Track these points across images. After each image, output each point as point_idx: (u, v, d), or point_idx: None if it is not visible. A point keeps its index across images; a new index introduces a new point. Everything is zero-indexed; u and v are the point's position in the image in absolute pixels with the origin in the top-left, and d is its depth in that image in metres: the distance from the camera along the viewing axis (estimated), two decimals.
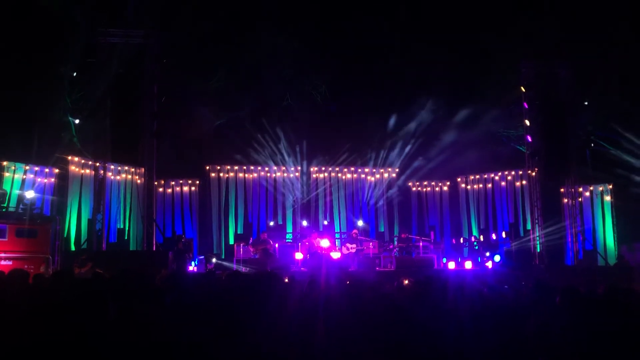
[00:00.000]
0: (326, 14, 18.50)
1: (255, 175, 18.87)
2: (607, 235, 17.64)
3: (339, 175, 19.44)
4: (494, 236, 18.22)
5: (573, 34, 17.26)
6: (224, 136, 18.88)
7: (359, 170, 19.57)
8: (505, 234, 18.19)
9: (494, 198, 19.15)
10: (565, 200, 17.54)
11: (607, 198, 17.82)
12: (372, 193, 19.49)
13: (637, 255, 16.49)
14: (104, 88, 14.92)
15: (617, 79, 17.77)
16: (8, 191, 13.88)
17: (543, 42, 17.56)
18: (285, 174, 18.99)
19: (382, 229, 19.42)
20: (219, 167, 18.65)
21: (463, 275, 13.60)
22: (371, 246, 16.90)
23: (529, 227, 17.88)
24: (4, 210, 12.82)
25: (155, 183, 16.70)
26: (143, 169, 16.14)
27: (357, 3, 18.76)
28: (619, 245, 17.40)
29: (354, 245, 16.50)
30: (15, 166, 14.74)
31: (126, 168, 16.70)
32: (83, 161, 15.90)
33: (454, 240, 19.09)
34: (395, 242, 17.72)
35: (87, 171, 15.91)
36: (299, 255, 16.10)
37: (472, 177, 19.65)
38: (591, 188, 17.97)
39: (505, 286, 7.95)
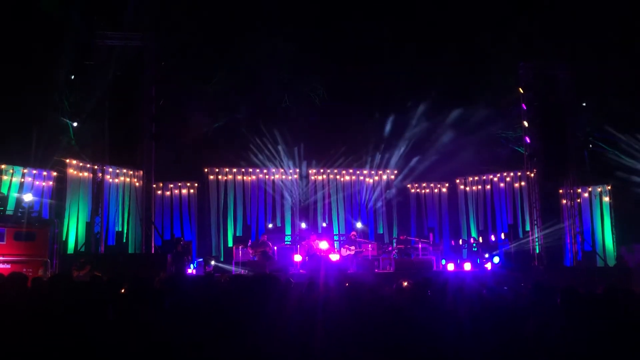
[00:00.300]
0: (324, 16, 18.53)
1: (253, 177, 18.85)
2: (606, 236, 17.63)
3: (338, 177, 19.43)
4: (493, 237, 18.20)
5: (571, 36, 17.30)
6: (223, 139, 18.88)
7: (358, 172, 19.55)
8: (504, 235, 18.17)
9: (493, 199, 19.14)
10: (564, 202, 17.55)
11: (606, 199, 17.81)
12: (370, 195, 19.48)
13: (636, 256, 16.49)
14: (102, 91, 14.92)
15: (615, 81, 17.80)
16: (6, 194, 13.86)
17: (541, 44, 17.60)
18: (283, 177, 18.98)
19: (380, 231, 19.40)
20: (217, 170, 18.63)
21: (462, 276, 13.59)
22: (370, 248, 16.89)
23: (527, 228, 17.87)
24: (2, 213, 12.79)
25: (154, 186, 16.70)
26: (141, 172, 16.14)
27: (355, 5, 18.78)
28: (617, 246, 17.38)
29: (353, 247, 16.49)
30: (13, 169, 14.72)
31: (124, 171, 16.68)
32: (81, 164, 15.87)
33: (453, 241, 19.06)
34: (394, 244, 17.70)
35: (86, 174, 15.89)
36: (297, 258, 16.09)
37: (470, 179, 19.65)
38: (590, 189, 17.97)
39: (505, 287, 7.95)
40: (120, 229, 16.48)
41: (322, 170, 19.34)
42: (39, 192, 14.92)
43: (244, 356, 4.19)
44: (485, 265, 16.49)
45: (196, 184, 18.49)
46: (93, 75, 15.11)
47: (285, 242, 17.87)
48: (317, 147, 19.32)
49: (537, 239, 16.96)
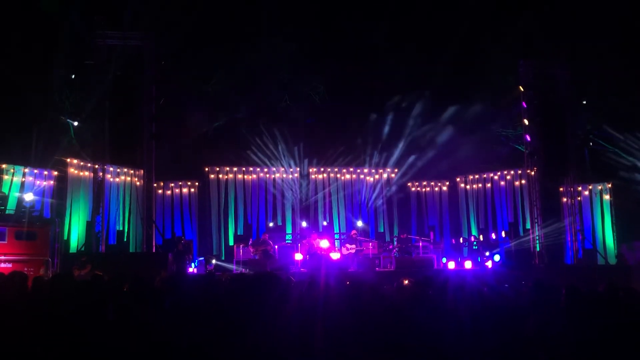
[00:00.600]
0: (324, 15, 18.51)
1: (254, 176, 18.86)
2: (607, 234, 17.64)
3: (338, 175, 19.43)
4: (493, 236, 18.21)
5: (571, 34, 17.29)
6: (223, 138, 18.89)
7: (358, 170, 19.56)
8: (505, 233, 18.19)
9: (494, 198, 19.15)
10: (565, 200, 17.56)
11: (606, 197, 17.82)
12: (371, 193, 19.48)
13: (636, 253, 16.49)
14: (103, 90, 14.90)
15: (615, 79, 17.79)
16: (7, 194, 13.87)
17: (541, 43, 17.59)
18: (284, 175, 18.98)
19: (381, 229, 19.41)
20: (218, 169, 18.63)
21: (463, 275, 13.60)
22: (371, 246, 16.90)
23: (528, 226, 17.87)
24: (2, 212, 12.80)
25: (155, 185, 16.70)
26: (142, 171, 16.14)
27: (355, 4, 18.77)
28: (618, 244, 17.40)
29: (354, 246, 16.50)
30: (14, 169, 14.72)
31: (125, 170, 16.69)
32: (82, 163, 15.87)
33: (453, 240, 19.08)
34: (395, 243, 17.72)
35: (86, 173, 15.89)
36: (298, 256, 16.10)
37: (471, 177, 19.65)
38: (590, 187, 17.97)
39: (506, 285, 7.96)
40: (121, 228, 16.49)
41: (322, 169, 19.35)
42: (40, 192, 14.92)
43: (245, 355, 4.20)
44: (486, 264, 16.50)
45: (197, 183, 18.50)
46: (93, 75, 15.10)
47: (286, 241, 17.89)
48: (318, 146, 19.34)
49: (537, 237, 16.96)
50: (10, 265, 11.77)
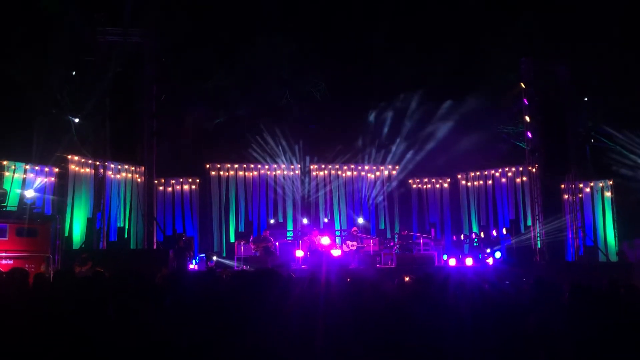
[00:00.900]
0: (325, 12, 18.48)
1: (255, 173, 18.86)
2: (608, 231, 17.63)
3: (339, 172, 19.43)
4: (494, 233, 18.22)
5: (572, 32, 17.25)
6: (224, 135, 18.88)
7: (359, 167, 19.56)
8: (506, 230, 18.19)
9: (495, 194, 19.14)
10: (566, 197, 17.54)
11: (608, 194, 17.80)
12: (372, 190, 19.48)
13: (637, 251, 16.47)
14: (103, 87, 14.89)
15: (616, 76, 17.75)
16: (8, 190, 13.86)
17: (543, 40, 17.55)
18: (285, 172, 18.99)
19: (382, 226, 19.42)
20: (219, 166, 18.64)
21: (464, 272, 13.59)
22: (371, 243, 16.90)
23: (529, 223, 17.87)
24: (4, 209, 12.80)
25: (156, 182, 16.70)
26: (143, 168, 16.14)
27: (356, 2, 18.74)
28: (619, 241, 17.39)
29: (355, 243, 16.51)
30: (15, 165, 14.72)
31: (126, 167, 16.69)
32: (83, 160, 15.88)
33: (454, 237, 19.08)
34: (396, 239, 17.73)
35: (87, 170, 15.90)
36: (299, 253, 16.11)
37: (472, 174, 19.65)
38: (591, 184, 17.96)
39: (506, 282, 7.96)
40: (121, 225, 16.50)
41: (323, 166, 19.35)
42: (41, 189, 14.93)
43: (245, 351, 4.20)
44: (487, 261, 16.51)
45: (198, 180, 18.50)
46: (94, 72, 15.08)
47: (287, 238, 17.89)
48: (319, 143, 19.33)
49: (538, 234, 16.95)
50: (11, 262, 11.77)
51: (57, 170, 15.46)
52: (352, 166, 19.53)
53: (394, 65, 18.83)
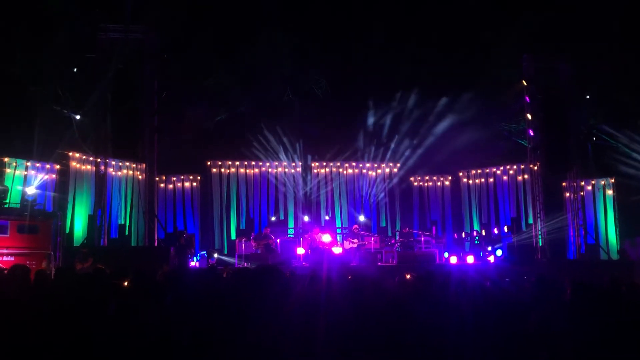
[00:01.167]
0: (326, 9, 18.44)
1: (256, 170, 18.86)
2: (609, 229, 17.62)
3: (340, 170, 19.43)
4: (495, 230, 18.20)
5: (574, 28, 17.20)
6: (225, 132, 18.87)
7: (360, 165, 19.55)
8: (507, 228, 18.17)
9: (496, 192, 19.13)
10: (567, 194, 17.53)
11: (609, 192, 17.78)
12: (373, 188, 19.47)
13: (639, 249, 16.46)
14: (105, 84, 14.88)
15: (618, 73, 17.71)
16: (9, 187, 13.87)
17: (544, 37, 17.51)
18: (286, 169, 18.98)
19: (383, 224, 19.42)
20: (220, 163, 18.64)
21: (465, 269, 13.59)
22: (373, 241, 16.91)
23: (531, 221, 17.86)
24: (5, 206, 12.81)
25: (157, 179, 16.72)
26: (144, 165, 16.15)
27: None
28: (621, 239, 17.37)
29: (356, 240, 16.51)
30: (16, 162, 14.72)
31: (127, 164, 16.68)
32: (84, 157, 15.88)
33: (455, 234, 19.08)
34: (397, 237, 17.72)
35: (88, 167, 15.90)
36: (300, 251, 16.12)
37: (473, 172, 19.63)
38: (593, 182, 17.94)
39: (507, 279, 7.94)
40: (122, 222, 16.51)
41: (324, 164, 19.34)
42: (42, 185, 14.93)
43: (246, 349, 4.19)
44: (488, 259, 16.50)
45: (199, 177, 18.51)
46: (95, 68, 15.08)
47: (288, 235, 17.89)
48: (320, 140, 19.31)
49: (540, 232, 16.94)
50: (12, 259, 11.79)
51: (58, 167, 15.46)
52: (354, 164, 19.52)
53: (395, 63, 18.79)
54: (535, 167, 17.39)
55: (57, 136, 15.58)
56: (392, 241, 17.33)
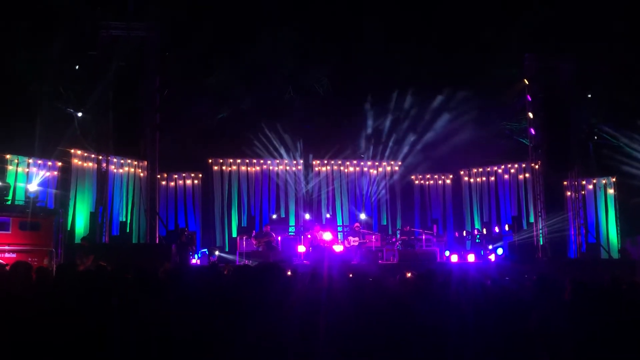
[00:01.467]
0: (328, 7, 18.43)
1: (257, 168, 18.87)
2: (610, 228, 17.61)
3: (342, 168, 19.43)
4: (496, 229, 18.19)
5: (576, 27, 17.18)
6: (227, 129, 18.88)
7: (362, 163, 19.55)
8: (508, 227, 18.16)
9: (497, 191, 19.11)
10: (569, 193, 17.52)
11: (611, 191, 17.77)
12: (374, 186, 19.47)
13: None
14: (106, 81, 14.89)
15: (620, 72, 17.69)
16: (12, 184, 13.89)
17: (546, 35, 17.49)
18: (287, 167, 18.99)
19: (384, 222, 19.42)
20: (221, 161, 18.65)
21: (466, 268, 13.59)
22: (374, 239, 16.90)
23: (532, 220, 17.85)
24: (7, 203, 12.84)
25: (158, 176, 16.73)
26: (146, 162, 16.16)
27: None
28: (622, 239, 17.37)
29: (357, 239, 16.51)
30: (18, 159, 14.75)
31: (129, 161, 16.69)
32: (86, 154, 15.89)
33: (456, 233, 19.08)
34: (398, 235, 17.72)
35: (90, 164, 15.91)
36: (301, 248, 16.12)
37: (475, 170, 19.61)
38: (594, 181, 17.92)
39: (507, 278, 7.95)
40: (124, 219, 16.53)
41: (326, 162, 19.34)
42: (44, 182, 14.96)
43: (247, 346, 4.20)
44: (489, 257, 16.50)
45: (200, 175, 18.52)
46: (97, 66, 15.09)
47: (289, 233, 17.90)
48: (321, 138, 19.32)
49: (541, 231, 16.94)
50: (14, 256, 11.82)
51: (59, 164, 15.48)
52: (355, 162, 19.52)
53: (397, 62, 18.78)
54: (537, 166, 17.39)
55: (59, 133, 15.59)
56: (393, 239, 17.33)
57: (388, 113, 19.15)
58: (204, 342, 4.26)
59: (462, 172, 19.86)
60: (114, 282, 5.63)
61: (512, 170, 18.87)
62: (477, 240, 17.59)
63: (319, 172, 19.25)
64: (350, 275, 6.26)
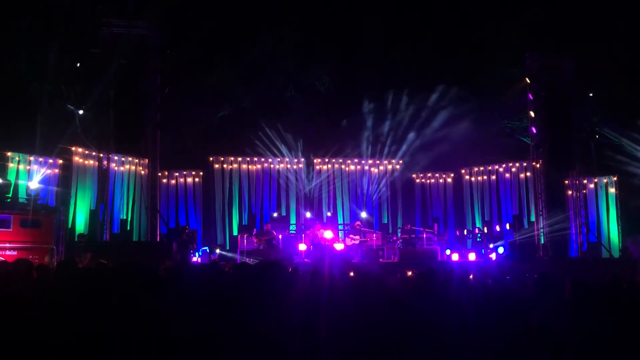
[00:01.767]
0: (328, 6, 18.43)
1: (258, 166, 18.86)
2: (611, 227, 17.60)
3: (343, 166, 19.41)
4: (497, 228, 18.18)
5: (577, 26, 17.16)
6: (228, 127, 18.88)
7: (363, 161, 19.53)
8: (509, 225, 18.16)
9: (498, 190, 19.10)
10: (570, 192, 17.51)
11: (612, 190, 17.76)
12: (375, 185, 19.46)
13: None
14: (108, 79, 14.88)
15: (621, 71, 17.68)
16: (12, 182, 13.90)
17: (548, 34, 17.47)
18: (288, 166, 18.98)
19: (385, 221, 19.41)
20: (222, 159, 18.64)
21: (467, 266, 13.59)
22: (374, 238, 16.91)
23: (533, 219, 17.83)
24: (8, 200, 12.85)
25: (159, 174, 16.72)
26: (147, 160, 16.16)
27: None
28: (623, 238, 17.36)
29: (358, 237, 16.51)
30: (19, 157, 14.75)
31: (130, 159, 16.70)
32: (87, 152, 15.89)
33: (457, 232, 19.07)
34: (399, 234, 17.72)
35: (91, 162, 15.92)
36: (302, 247, 16.13)
37: (476, 169, 19.60)
38: (596, 180, 17.91)
39: (507, 277, 7.94)
40: (124, 217, 16.53)
41: (327, 160, 19.33)
42: (45, 180, 14.96)
43: (248, 344, 4.20)
44: (490, 256, 16.49)
45: (201, 173, 18.51)
46: (98, 63, 15.08)
47: (290, 231, 17.90)
48: (322, 136, 19.31)
49: (542, 230, 16.92)
50: (15, 253, 11.83)
51: (60, 161, 15.48)
52: (356, 160, 19.50)
53: (399, 60, 18.77)
54: (538, 165, 17.37)
55: (60, 131, 15.59)
56: (394, 238, 17.33)
57: (389, 112, 19.13)
58: (204, 340, 4.26)
59: (463, 171, 19.84)
60: (115, 279, 5.63)
61: (513, 169, 18.85)
62: (478, 239, 17.57)
63: (319, 171, 19.24)
64: (351, 274, 6.26)
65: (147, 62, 15.38)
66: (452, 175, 20.03)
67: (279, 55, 18.64)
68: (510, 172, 18.91)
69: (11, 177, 14.16)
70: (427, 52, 18.43)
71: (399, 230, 18.31)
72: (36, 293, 5.18)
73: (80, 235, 14.70)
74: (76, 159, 15.64)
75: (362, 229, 16.98)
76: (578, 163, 17.34)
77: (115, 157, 16.14)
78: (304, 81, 19.40)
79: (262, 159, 18.82)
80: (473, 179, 19.68)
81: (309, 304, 4.72)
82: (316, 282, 5.47)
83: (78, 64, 16.45)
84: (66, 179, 15.44)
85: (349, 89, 19.36)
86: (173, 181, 18.21)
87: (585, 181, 17.81)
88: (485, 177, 19.40)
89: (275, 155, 18.77)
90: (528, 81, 17.12)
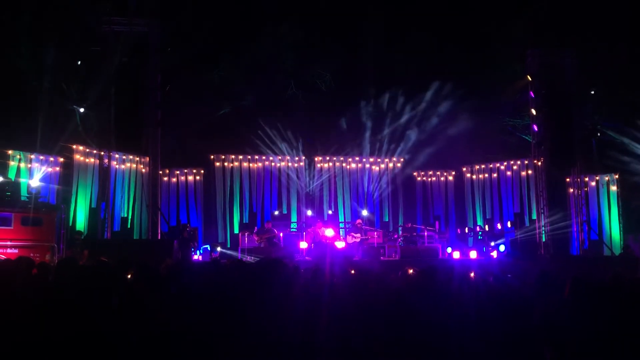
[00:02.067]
0: (329, 4, 18.40)
1: (259, 164, 18.86)
2: (613, 225, 17.58)
3: (344, 164, 19.41)
4: (499, 226, 18.18)
5: (579, 23, 17.12)
6: (229, 125, 18.86)
7: (364, 159, 19.53)
8: (511, 223, 18.15)
9: (500, 187, 19.09)
10: (571, 190, 17.47)
11: (613, 188, 17.74)
12: (376, 182, 19.45)
13: None
14: (108, 77, 14.88)
15: (623, 68, 17.64)
16: (13, 180, 13.91)
17: (549, 31, 17.43)
18: (289, 163, 18.97)
19: (386, 219, 19.41)
20: (223, 157, 18.64)
21: (468, 265, 13.57)
22: (376, 236, 16.90)
23: (534, 216, 17.82)
24: (8, 198, 12.85)
25: (160, 172, 16.72)
26: (148, 158, 16.16)
27: None
28: (624, 235, 17.34)
29: (359, 235, 16.51)
30: (20, 155, 14.76)
31: (131, 157, 16.71)
32: (87, 150, 15.90)
33: (458, 229, 19.07)
34: (400, 232, 17.71)
35: (92, 160, 15.93)
36: (303, 245, 16.13)
37: (477, 167, 19.58)
38: (597, 178, 17.89)
39: (509, 275, 7.93)
40: (125, 215, 16.54)
41: (328, 158, 19.32)
42: (46, 178, 14.97)
43: (249, 342, 4.20)
44: (491, 254, 16.49)
45: (202, 171, 18.52)
46: (99, 61, 15.07)
47: (291, 229, 17.91)
48: (324, 134, 19.30)
49: (543, 228, 16.91)
50: (16, 251, 11.85)
51: (61, 159, 15.50)
52: (357, 158, 19.50)
53: (399, 57, 18.74)
54: (539, 163, 17.34)
55: (61, 129, 15.59)
56: (395, 236, 17.32)
57: (390, 109, 19.11)
58: (205, 338, 4.26)
59: (464, 169, 19.83)
60: (116, 277, 5.63)
61: (515, 167, 18.84)
62: (479, 237, 17.56)
63: (320, 169, 19.23)
64: (352, 272, 6.25)
65: (148, 60, 15.38)
66: (453, 173, 20.02)
67: (280, 53, 18.62)
68: (512, 170, 18.90)
69: (12, 175, 14.17)
70: (428, 50, 18.39)
71: (400, 228, 18.30)
72: (37, 291, 5.18)
73: (77, 232, 14.70)
74: (77, 157, 15.66)
75: (363, 227, 16.98)
76: (579, 161, 17.29)
77: (116, 155, 16.15)
78: (305, 79, 19.37)
79: (263, 157, 18.82)
80: (474, 176, 19.67)
81: (310, 301, 4.72)
82: (317, 280, 5.46)
83: (79, 62, 16.44)
84: (67, 177, 15.45)
85: (350, 87, 19.33)
86: (174, 179, 18.22)
87: (586, 179, 17.78)
88: (486, 175, 19.39)
89: (276, 154, 18.78)
90: (529, 79, 17.07)
